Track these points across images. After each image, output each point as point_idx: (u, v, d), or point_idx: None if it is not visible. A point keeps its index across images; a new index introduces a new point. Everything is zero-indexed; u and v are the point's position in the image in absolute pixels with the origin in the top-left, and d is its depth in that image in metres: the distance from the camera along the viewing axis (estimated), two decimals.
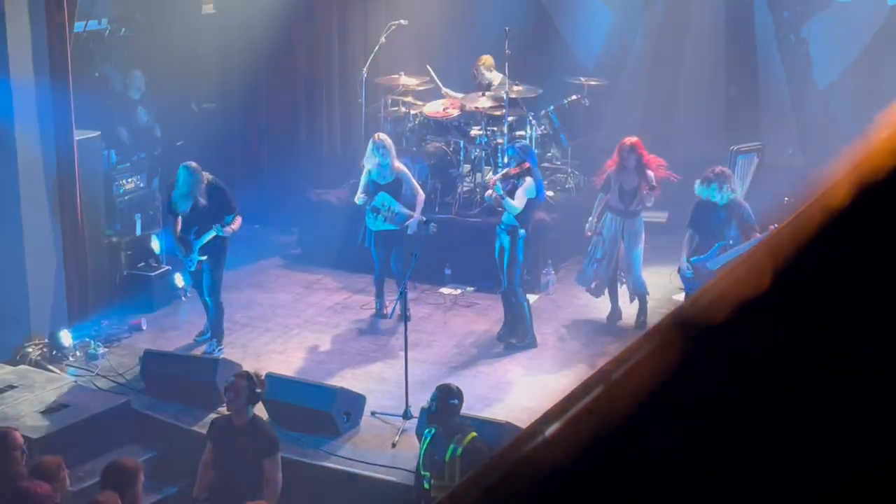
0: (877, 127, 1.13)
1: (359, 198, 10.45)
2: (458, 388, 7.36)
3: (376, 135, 10.61)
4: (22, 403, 8.77)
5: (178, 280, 11.08)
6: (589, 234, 10.41)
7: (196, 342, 10.14)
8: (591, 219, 10.37)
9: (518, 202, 9.68)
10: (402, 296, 9.17)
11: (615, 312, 10.57)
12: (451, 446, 7.07)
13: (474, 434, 7.13)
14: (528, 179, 9.71)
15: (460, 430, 7.16)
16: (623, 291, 10.57)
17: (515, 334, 10.05)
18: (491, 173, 12.09)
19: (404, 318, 9.25)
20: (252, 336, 10.45)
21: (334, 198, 12.53)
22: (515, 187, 9.73)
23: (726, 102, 13.22)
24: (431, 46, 13.16)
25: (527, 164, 9.74)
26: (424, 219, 10.40)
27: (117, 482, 6.49)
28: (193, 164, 9.71)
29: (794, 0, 12.81)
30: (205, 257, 9.78)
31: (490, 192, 9.90)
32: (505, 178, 9.84)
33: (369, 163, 10.43)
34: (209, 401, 8.76)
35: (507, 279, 9.85)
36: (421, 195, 10.55)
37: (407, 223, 10.37)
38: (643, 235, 10.30)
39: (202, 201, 9.62)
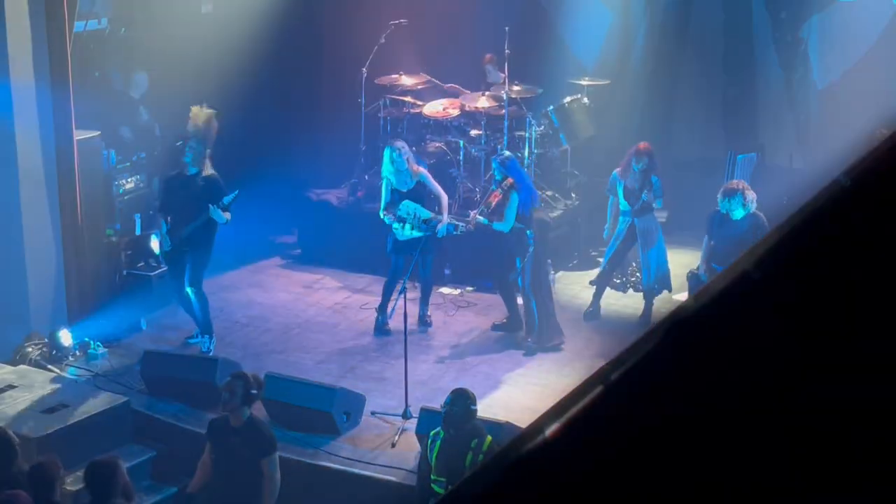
0: (882, 127, 1.13)
1: (384, 215, 10.15)
2: (473, 392, 7.39)
3: (392, 140, 10.47)
4: (22, 403, 8.76)
5: (154, 244, 10.96)
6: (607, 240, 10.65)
7: (188, 344, 10.12)
8: (607, 225, 10.52)
9: (507, 222, 9.77)
10: (402, 293, 9.11)
11: (594, 310, 10.62)
12: (471, 451, 7.07)
13: (490, 438, 7.13)
14: (513, 196, 9.75)
15: (476, 435, 7.16)
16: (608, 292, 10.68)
17: (532, 336, 10.01)
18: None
19: (405, 318, 9.15)
20: (252, 336, 10.45)
21: (334, 198, 12.53)
22: (504, 206, 9.81)
23: (724, 103, 13.22)
24: (431, 46, 13.16)
25: (510, 181, 9.77)
26: (455, 222, 10.24)
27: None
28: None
29: (792, 0, 12.81)
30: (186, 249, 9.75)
31: (471, 224, 9.93)
32: (488, 207, 9.86)
33: (387, 171, 10.17)
34: (209, 401, 8.75)
35: (520, 279, 9.89)
36: (444, 196, 10.30)
37: (437, 227, 10.10)
38: (659, 234, 10.34)
39: (192, 190, 9.61)
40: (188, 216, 9.65)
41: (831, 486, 1.03)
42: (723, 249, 9.64)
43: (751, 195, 9.55)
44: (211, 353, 9.75)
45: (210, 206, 9.50)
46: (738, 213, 9.54)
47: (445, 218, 10.17)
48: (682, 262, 10.57)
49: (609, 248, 10.61)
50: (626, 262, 10.97)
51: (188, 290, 9.81)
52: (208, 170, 9.73)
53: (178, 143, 11.97)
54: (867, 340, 1.05)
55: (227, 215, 9.65)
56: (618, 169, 10.34)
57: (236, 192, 9.62)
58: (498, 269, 10.12)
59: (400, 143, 10.32)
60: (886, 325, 1.04)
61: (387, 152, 10.23)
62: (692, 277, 9.94)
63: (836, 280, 1.07)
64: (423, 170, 10.32)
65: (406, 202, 10.12)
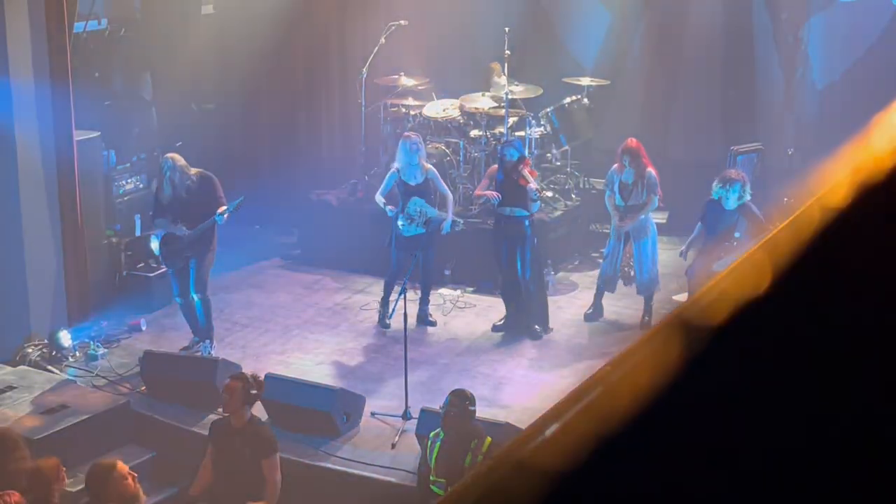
0: (876, 127, 1.13)
1: (389, 208, 10.15)
2: (471, 393, 7.40)
3: (407, 133, 10.53)
4: (22, 404, 8.77)
5: (154, 245, 10.88)
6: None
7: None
8: (613, 221, 10.59)
9: (536, 203, 10.17)
10: (402, 293, 9.09)
11: (594, 311, 10.64)
12: (471, 452, 7.07)
13: (490, 439, 7.13)
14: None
15: (475, 435, 7.16)
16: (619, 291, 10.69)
17: (539, 322, 10.19)
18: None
19: (405, 318, 9.13)
20: (251, 336, 10.44)
21: (334, 198, 12.53)
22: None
23: (724, 103, 13.22)
24: (431, 47, 13.17)
25: (528, 161, 10.01)
26: (456, 219, 10.43)
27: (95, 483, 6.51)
28: (173, 155, 9.66)
29: (793, 1, 12.81)
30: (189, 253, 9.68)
31: (535, 187, 10.03)
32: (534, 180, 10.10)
33: (400, 162, 10.23)
34: (209, 401, 8.75)
35: (529, 269, 9.98)
36: (450, 195, 10.47)
37: (441, 225, 10.20)
38: (651, 231, 10.37)
39: (185, 194, 9.53)
40: (189, 218, 9.58)
41: (834, 485, 1.03)
42: (712, 238, 9.69)
43: (748, 190, 9.62)
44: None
45: (216, 217, 9.43)
46: (731, 204, 9.57)
47: (451, 216, 10.28)
48: (680, 263, 10.57)
49: (606, 249, 10.64)
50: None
51: (194, 296, 9.73)
52: (191, 169, 9.61)
53: (177, 144, 11.99)
54: (872, 343, 1.05)
55: (226, 215, 9.58)
56: (614, 165, 10.39)
57: (241, 198, 9.55)
58: (507, 267, 10.16)
59: (414, 137, 10.38)
60: (888, 328, 1.04)
61: (401, 145, 10.28)
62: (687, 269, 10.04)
63: (837, 281, 1.07)
64: (431, 167, 10.40)
65: (415, 200, 10.18)
